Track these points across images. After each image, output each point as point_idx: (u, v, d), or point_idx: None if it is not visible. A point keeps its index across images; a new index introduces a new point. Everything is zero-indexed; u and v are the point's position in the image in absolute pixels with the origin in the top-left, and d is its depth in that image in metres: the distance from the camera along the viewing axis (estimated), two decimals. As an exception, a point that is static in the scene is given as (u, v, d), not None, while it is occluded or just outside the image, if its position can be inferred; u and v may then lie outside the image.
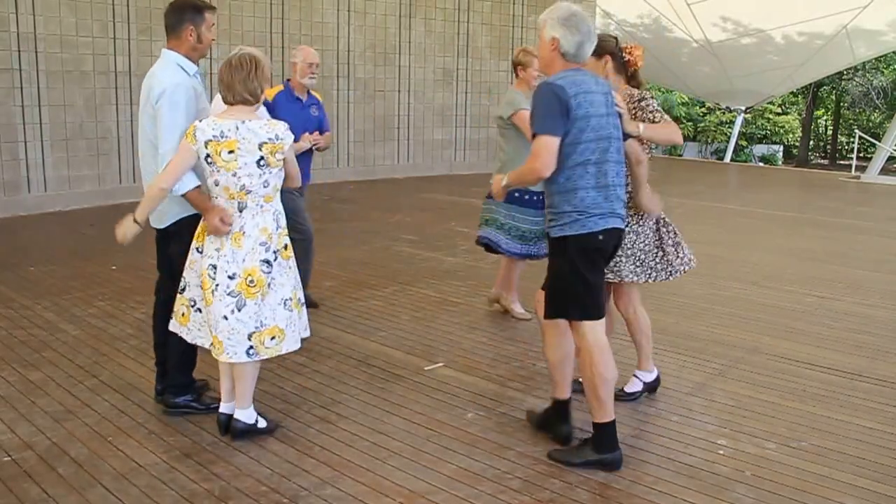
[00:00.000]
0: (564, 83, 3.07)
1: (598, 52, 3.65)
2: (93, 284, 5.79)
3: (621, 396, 3.90)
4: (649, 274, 3.77)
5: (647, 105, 3.65)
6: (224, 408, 3.41)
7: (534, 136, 3.09)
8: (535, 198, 4.84)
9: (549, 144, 3.03)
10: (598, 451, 3.20)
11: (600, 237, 3.12)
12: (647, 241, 3.77)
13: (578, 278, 3.14)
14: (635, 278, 3.75)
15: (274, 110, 4.85)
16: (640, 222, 3.75)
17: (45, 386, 3.90)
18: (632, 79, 3.78)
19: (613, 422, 3.20)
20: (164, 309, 3.65)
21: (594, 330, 3.18)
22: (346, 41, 11.60)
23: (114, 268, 6.27)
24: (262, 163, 3.17)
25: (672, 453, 3.35)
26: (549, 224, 3.21)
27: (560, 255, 3.19)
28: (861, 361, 4.54)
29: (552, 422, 3.45)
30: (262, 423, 3.41)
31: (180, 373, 3.62)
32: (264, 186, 3.20)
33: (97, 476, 3.04)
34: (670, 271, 3.82)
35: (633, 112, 3.63)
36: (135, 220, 3.25)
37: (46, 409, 3.64)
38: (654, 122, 3.61)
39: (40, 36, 8.55)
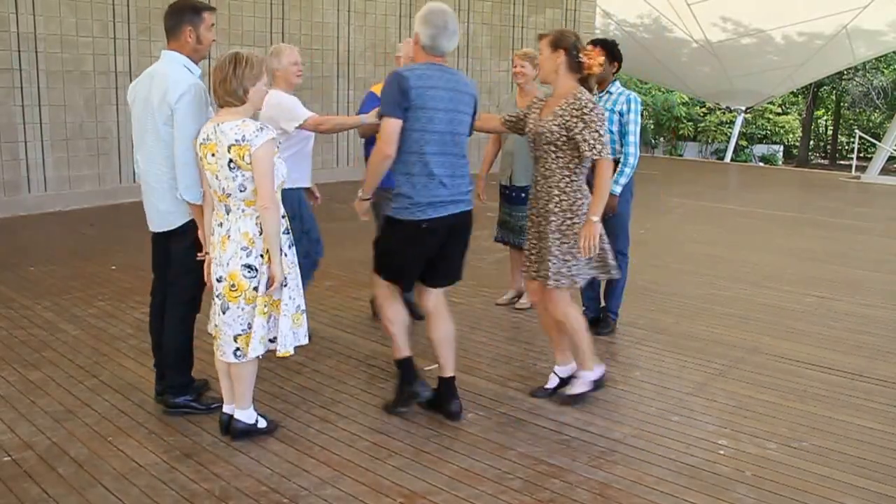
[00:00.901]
0: (410, 74, 3.37)
1: (554, 45, 3.65)
2: (93, 284, 5.79)
3: (568, 398, 3.86)
4: (575, 278, 3.72)
5: (591, 121, 3.52)
6: (226, 408, 3.41)
7: (380, 118, 3.42)
8: (526, 194, 4.94)
9: (389, 126, 3.37)
10: (404, 386, 3.65)
11: (424, 225, 3.44)
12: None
13: (397, 251, 3.54)
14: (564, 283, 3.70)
15: None
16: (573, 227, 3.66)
17: (45, 386, 3.90)
18: (583, 82, 3.70)
19: (409, 357, 3.65)
20: (159, 311, 3.65)
21: (389, 286, 3.62)
22: (346, 41, 11.60)
23: (113, 268, 6.27)
24: (232, 165, 3.09)
25: (673, 453, 3.35)
26: (391, 203, 3.51)
27: (388, 229, 3.57)
28: (861, 361, 4.54)
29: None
30: (262, 424, 3.41)
31: (178, 373, 3.61)
32: (241, 190, 3.12)
33: (97, 476, 3.04)
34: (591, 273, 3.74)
35: (575, 118, 3.56)
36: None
37: (46, 409, 3.64)
38: (589, 141, 3.51)
39: (40, 36, 8.54)
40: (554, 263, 3.67)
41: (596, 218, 3.60)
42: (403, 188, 3.45)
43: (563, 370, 3.98)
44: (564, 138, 3.59)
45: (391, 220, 3.53)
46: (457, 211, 3.53)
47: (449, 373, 3.66)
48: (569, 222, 3.65)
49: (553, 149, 3.64)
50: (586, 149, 3.54)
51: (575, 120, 3.55)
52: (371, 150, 4.77)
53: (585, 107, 3.55)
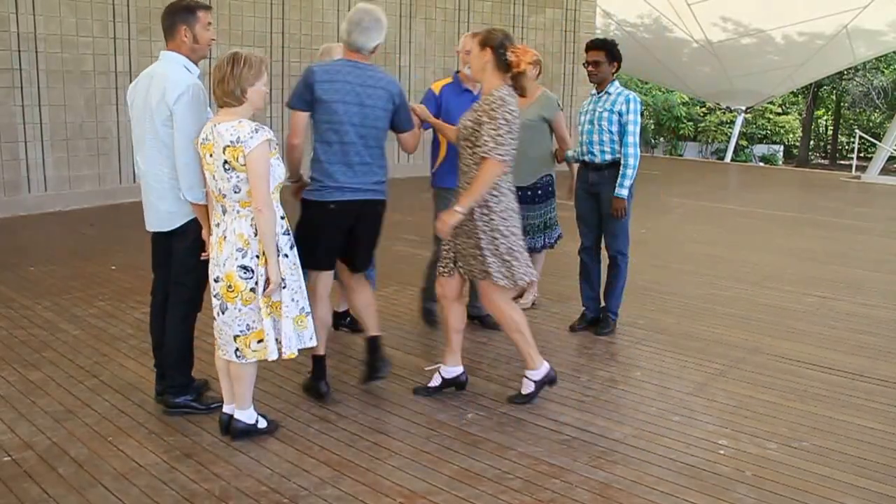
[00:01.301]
0: (318, 70, 3.62)
1: (482, 44, 3.66)
2: (93, 284, 5.79)
3: (515, 399, 3.86)
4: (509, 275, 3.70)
5: (495, 118, 3.52)
6: (226, 408, 3.41)
7: (290, 108, 3.67)
8: (528, 193, 5.04)
9: (294, 117, 3.65)
10: (313, 378, 3.85)
11: (332, 206, 3.65)
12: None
13: (310, 234, 3.68)
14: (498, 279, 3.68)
15: (442, 104, 4.67)
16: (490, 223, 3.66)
17: (45, 386, 3.90)
18: (515, 81, 3.66)
19: (322, 356, 3.81)
20: (160, 310, 3.64)
21: (318, 277, 3.78)
22: (346, 41, 11.60)
23: (113, 268, 6.27)
24: (227, 167, 3.08)
25: (673, 453, 3.35)
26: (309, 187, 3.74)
27: (303, 212, 3.76)
28: (862, 361, 4.53)
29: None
30: (262, 424, 3.41)
31: (179, 372, 3.61)
32: (235, 192, 3.12)
33: (97, 476, 3.04)
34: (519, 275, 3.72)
35: (484, 114, 3.55)
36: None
37: (46, 409, 3.63)
38: (484, 136, 3.52)
39: (40, 36, 8.54)
40: (493, 262, 3.65)
41: (460, 209, 3.58)
42: (315, 173, 3.69)
43: (447, 371, 3.93)
44: (477, 134, 3.59)
45: (304, 202, 3.75)
46: (365, 198, 3.72)
47: (375, 332, 3.92)
48: (485, 218, 3.63)
49: (468, 144, 3.65)
50: (480, 143, 3.55)
51: (484, 116, 3.56)
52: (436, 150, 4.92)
53: (495, 103, 3.56)
